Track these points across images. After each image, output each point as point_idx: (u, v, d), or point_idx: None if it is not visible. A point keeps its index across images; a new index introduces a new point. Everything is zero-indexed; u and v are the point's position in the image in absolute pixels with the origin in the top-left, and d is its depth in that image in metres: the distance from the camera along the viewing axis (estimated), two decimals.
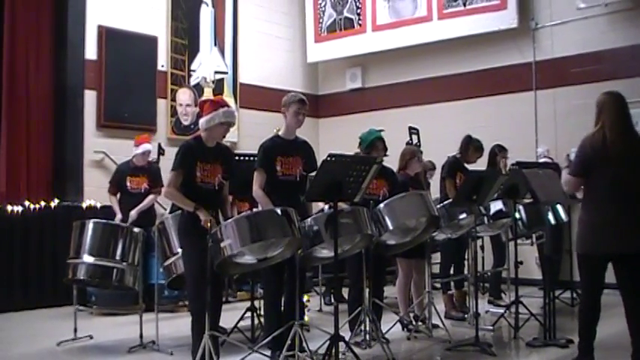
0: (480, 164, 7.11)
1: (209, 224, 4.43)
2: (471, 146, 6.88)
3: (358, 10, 10.80)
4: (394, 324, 5.91)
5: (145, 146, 7.24)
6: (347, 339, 4.85)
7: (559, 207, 6.74)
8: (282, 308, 5.01)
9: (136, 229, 5.78)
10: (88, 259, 5.61)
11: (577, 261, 4.76)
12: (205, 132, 4.83)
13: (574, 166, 4.64)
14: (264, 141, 5.13)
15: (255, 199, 5.09)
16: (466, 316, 6.60)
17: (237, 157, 5.74)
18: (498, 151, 7.33)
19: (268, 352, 4.89)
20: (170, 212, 6.33)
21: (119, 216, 7.13)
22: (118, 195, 7.39)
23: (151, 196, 7.29)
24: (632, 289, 4.54)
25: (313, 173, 4.93)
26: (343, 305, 5.65)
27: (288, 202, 4.68)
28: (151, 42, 9.24)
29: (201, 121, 4.86)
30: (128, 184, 7.27)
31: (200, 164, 4.76)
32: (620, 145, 4.44)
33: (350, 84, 11.24)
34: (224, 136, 4.95)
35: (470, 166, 6.83)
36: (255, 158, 5.14)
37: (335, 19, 11.04)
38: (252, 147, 5.11)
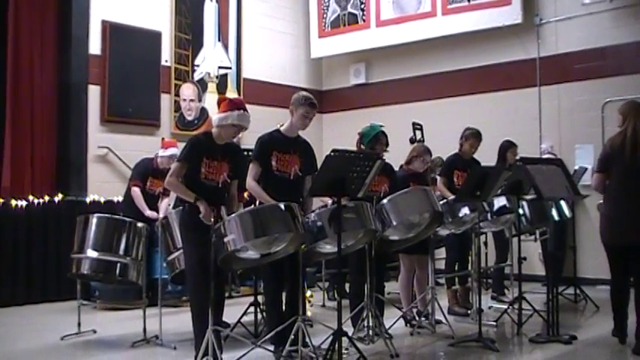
0: (490, 160, 7.07)
1: (211, 219, 4.44)
2: (468, 135, 6.83)
3: (362, 6, 10.79)
4: (397, 319, 5.92)
5: (173, 150, 6.96)
6: (350, 334, 4.86)
7: (563, 203, 6.75)
8: (285, 303, 5.01)
9: (139, 224, 5.78)
10: (91, 253, 5.62)
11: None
12: (217, 129, 4.81)
13: (597, 163, 5.35)
14: (262, 134, 5.10)
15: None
16: (469, 311, 6.60)
17: None
18: (509, 146, 7.33)
19: (272, 347, 4.91)
20: (174, 207, 6.32)
21: (149, 212, 6.92)
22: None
23: (166, 200, 7.17)
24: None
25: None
26: (346, 301, 5.66)
27: (281, 199, 4.64)
28: (155, 37, 9.24)
29: (215, 117, 4.85)
30: (148, 183, 7.10)
31: (206, 160, 4.73)
32: (634, 146, 5.02)
33: (354, 79, 11.22)
34: (234, 137, 4.93)
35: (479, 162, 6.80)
36: None
37: (339, 15, 11.02)
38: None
